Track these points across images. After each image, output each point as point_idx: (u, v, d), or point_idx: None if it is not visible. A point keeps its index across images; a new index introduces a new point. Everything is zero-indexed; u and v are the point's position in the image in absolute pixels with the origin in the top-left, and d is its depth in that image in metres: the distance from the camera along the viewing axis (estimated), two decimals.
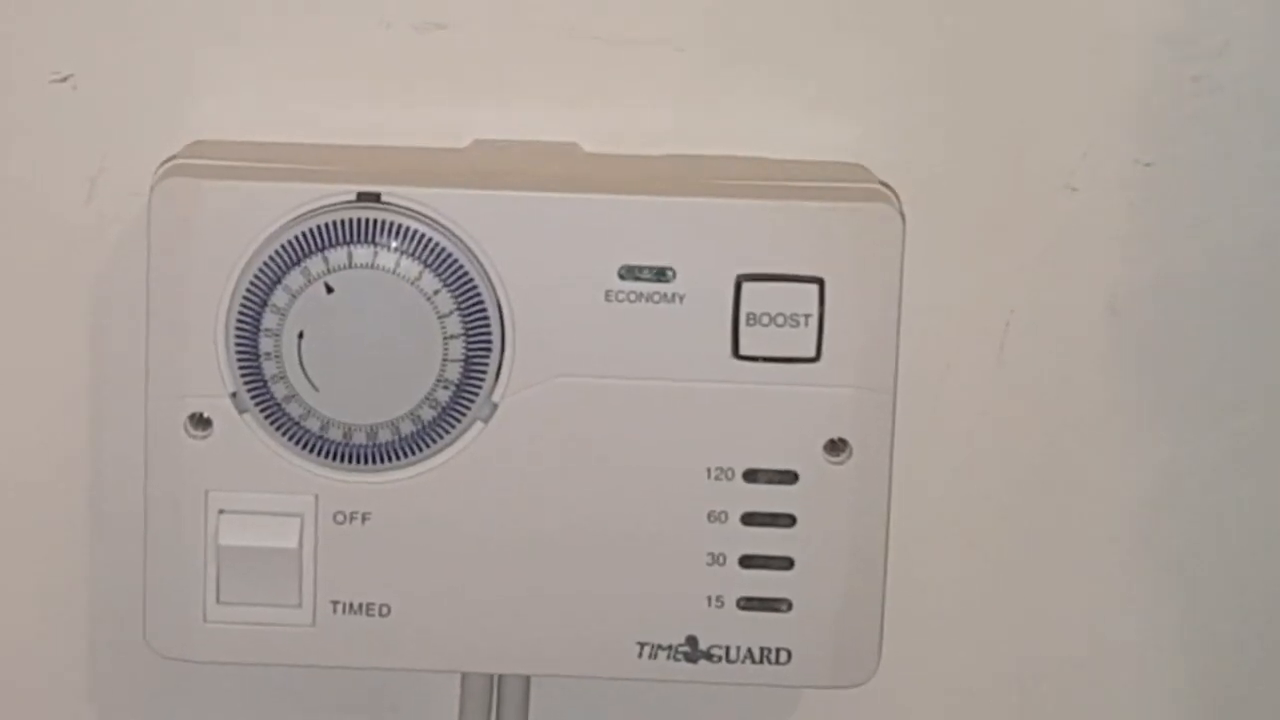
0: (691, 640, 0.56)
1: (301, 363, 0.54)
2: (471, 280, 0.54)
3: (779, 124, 0.58)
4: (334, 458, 0.55)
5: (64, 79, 0.58)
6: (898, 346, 0.54)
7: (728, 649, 0.56)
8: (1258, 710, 0.61)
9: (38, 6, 0.57)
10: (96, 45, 0.58)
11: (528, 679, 0.60)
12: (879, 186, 0.55)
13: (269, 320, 0.54)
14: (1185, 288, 0.59)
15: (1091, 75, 0.57)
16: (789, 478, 0.55)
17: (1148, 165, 0.58)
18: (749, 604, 0.56)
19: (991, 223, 0.58)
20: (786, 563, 0.56)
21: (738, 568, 0.56)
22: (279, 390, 0.55)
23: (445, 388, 0.55)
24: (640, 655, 0.56)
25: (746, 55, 0.58)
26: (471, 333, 0.54)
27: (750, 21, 0.57)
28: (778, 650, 0.56)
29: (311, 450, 0.55)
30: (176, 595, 0.56)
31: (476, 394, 0.55)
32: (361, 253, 0.54)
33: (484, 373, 0.55)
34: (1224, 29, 0.57)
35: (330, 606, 0.56)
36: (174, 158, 0.56)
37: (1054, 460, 0.59)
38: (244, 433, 0.55)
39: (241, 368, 0.55)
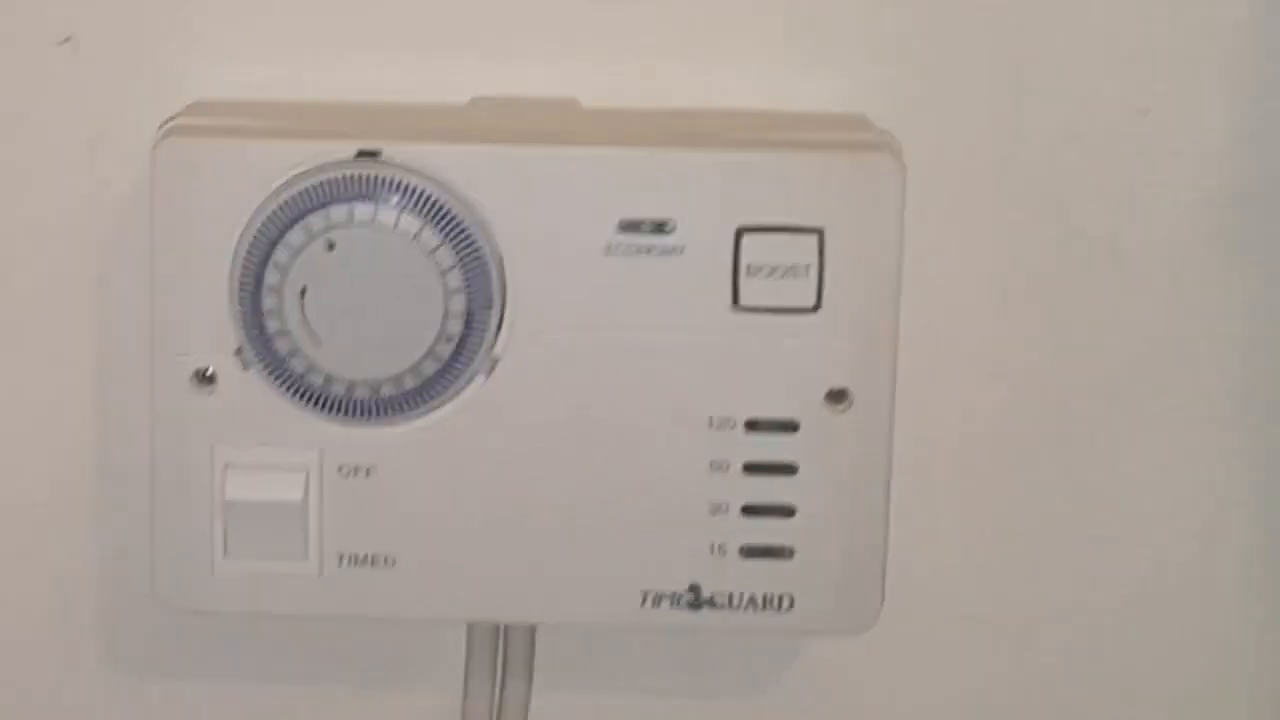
0: (694, 588, 0.57)
1: (304, 318, 0.55)
2: (472, 235, 0.54)
3: (779, 76, 0.58)
4: (338, 411, 0.56)
5: (65, 41, 0.58)
6: (899, 296, 0.55)
7: (730, 596, 0.56)
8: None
9: None
10: (97, 7, 0.58)
11: (533, 628, 0.61)
12: (880, 136, 0.55)
13: (271, 277, 0.54)
14: (1184, 233, 0.59)
15: (1088, 22, 0.58)
16: (790, 427, 0.56)
17: (1145, 112, 0.58)
18: (751, 552, 0.56)
19: (992, 171, 0.58)
20: (788, 511, 0.56)
21: (740, 516, 0.56)
22: (282, 346, 0.55)
23: (447, 342, 0.55)
24: (644, 604, 0.57)
25: (746, 8, 0.58)
26: (472, 287, 0.55)
27: None
28: (780, 597, 0.56)
29: (315, 404, 0.56)
30: (184, 549, 0.57)
31: (478, 348, 0.55)
32: (362, 209, 0.54)
33: (485, 327, 0.55)
34: None
35: (336, 558, 0.57)
36: (175, 118, 0.56)
37: (1056, 408, 0.60)
38: (248, 388, 0.56)
39: (245, 324, 0.55)
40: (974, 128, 0.58)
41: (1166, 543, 0.60)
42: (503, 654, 0.61)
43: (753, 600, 0.57)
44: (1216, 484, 0.60)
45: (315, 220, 0.54)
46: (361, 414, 0.56)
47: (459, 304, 0.55)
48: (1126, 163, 0.58)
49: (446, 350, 0.55)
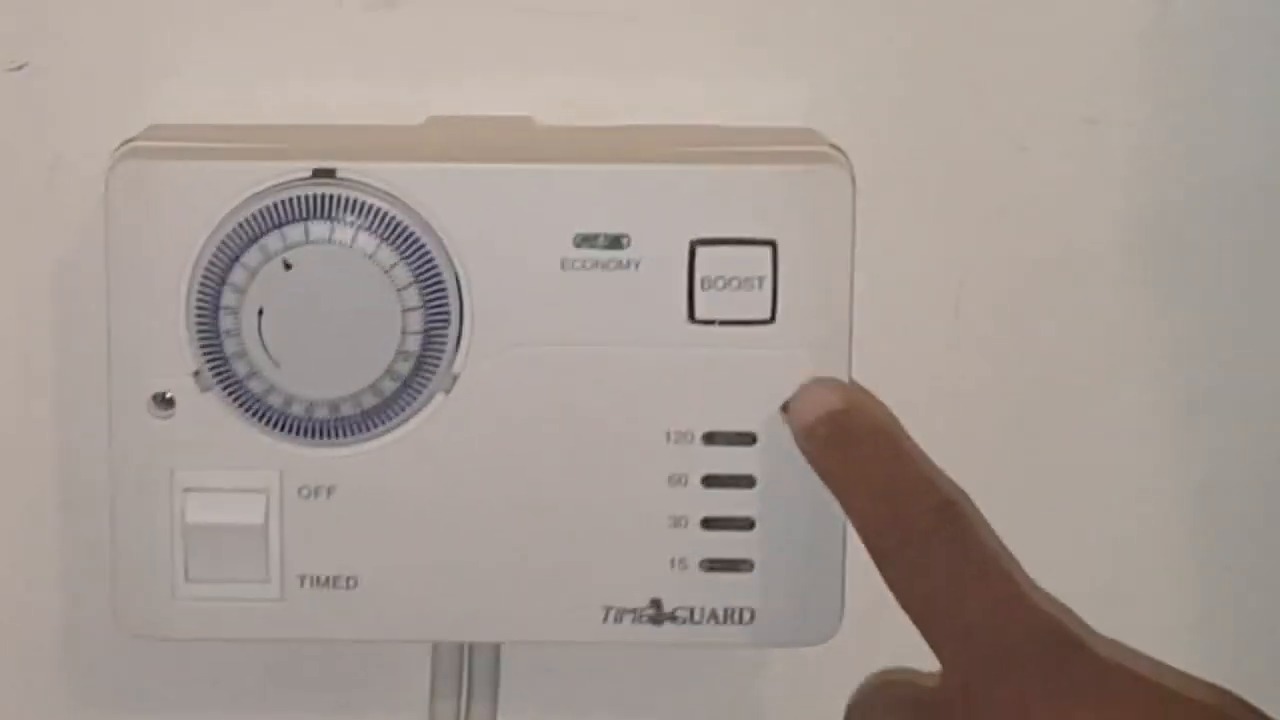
0: (656, 603, 0.57)
1: (262, 339, 0.55)
2: (429, 253, 0.55)
3: (730, 91, 0.58)
4: (297, 432, 0.56)
5: (19, 67, 0.58)
6: (851, 307, 0.55)
7: (692, 610, 0.57)
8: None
9: None
10: (51, 33, 0.58)
11: (497, 647, 0.61)
12: (829, 149, 0.56)
13: (228, 298, 0.55)
14: (1135, 242, 0.59)
15: (1037, 33, 0.58)
16: (748, 439, 0.56)
17: (1094, 123, 0.58)
18: (712, 565, 0.56)
19: (943, 183, 0.59)
20: (748, 523, 0.56)
21: (700, 529, 0.56)
22: (240, 367, 0.55)
23: (405, 360, 0.55)
24: (606, 619, 0.57)
25: (696, 24, 0.58)
26: (430, 305, 0.55)
27: None
28: (741, 610, 0.57)
29: (274, 426, 0.56)
30: (145, 573, 0.57)
31: (437, 365, 0.55)
32: (318, 228, 0.54)
33: (443, 344, 0.55)
34: None
35: (298, 580, 0.57)
36: (131, 140, 0.56)
37: (1012, 418, 0.60)
38: (207, 411, 0.56)
39: (203, 346, 0.55)
40: (923, 139, 0.59)
41: (1119, 543, 0.61)
42: (468, 673, 0.61)
43: (714, 614, 0.57)
44: (1162, 481, 0.61)
45: (271, 240, 0.54)
46: (321, 434, 0.56)
47: (416, 321, 0.55)
48: (1075, 172, 0.59)
49: (405, 368, 0.55)
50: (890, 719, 0.53)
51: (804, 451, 0.54)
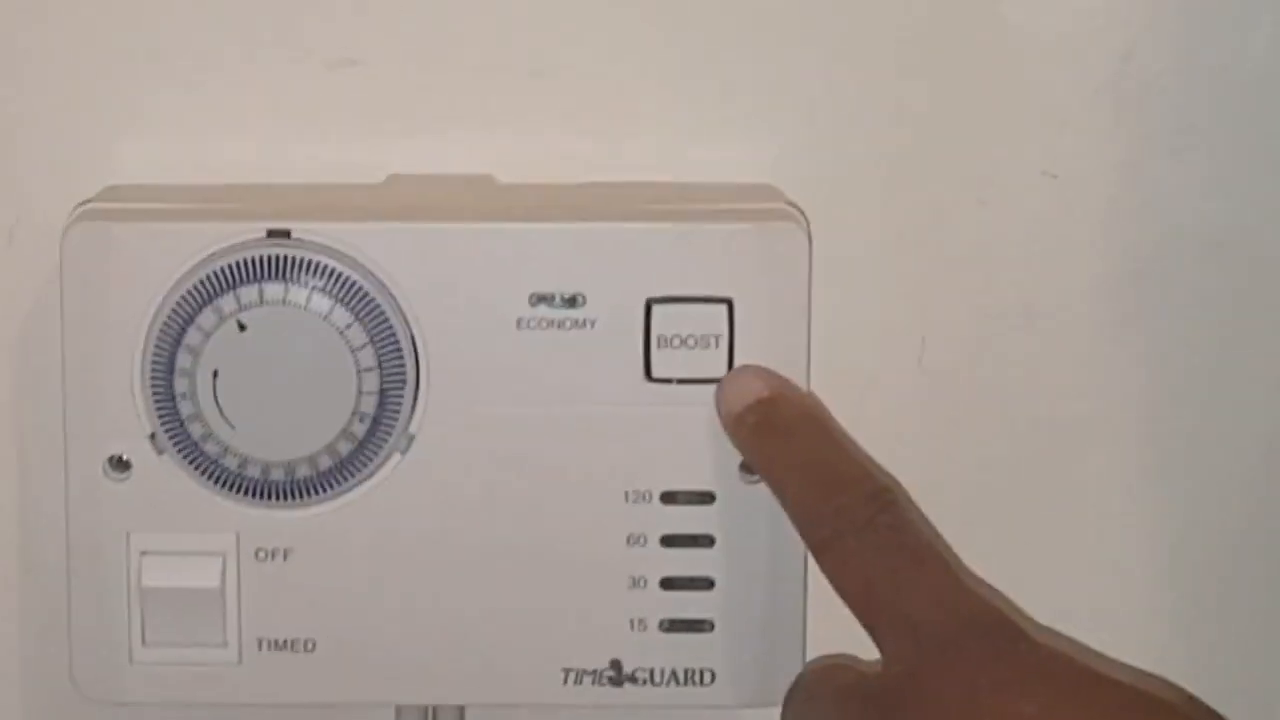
0: (616, 664, 0.56)
1: (217, 401, 0.54)
2: (383, 313, 0.54)
3: (689, 147, 0.58)
4: (253, 494, 0.55)
5: None
6: (809, 364, 0.55)
7: (652, 671, 0.56)
8: None
9: None
10: (12, 93, 0.58)
11: (461, 709, 0.60)
12: (785, 206, 0.56)
13: (183, 360, 0.54)
14: (1097, 294, 0.59)
15: (996, 88, 0.58)
16: (706, 498, 0.55)
17: (1054, 176, 0.58)
18: (672, 625, 0.56)
19: (904, 237, 0.59)
20: (707, 583, 0.56)
21: (659, 589, 0.56)
22: (196, 430, 0.55)
23: (361, 421, 0.55)
24: (567, 681, 0.56)
25: (653, 80, 0.58)
26: (385, 365, 0.55)
27: (654, 46, 0.58)
28: (701, 671, 0.56)
29: (230, 488, 0.55)
30: (102, 637, 0.56)
31: (393, 426, 0.55)
32: (272, 289, 0.54)
33: (399, 405, 0.55)
34: (1125, 39, 0.58)
35: (256, 643, 0.56)
36: (87, 202, 0.56)
37: (978, 471, 0.60)
38: (163, 473, 0.55)
39: (158, 408, 0.55)
40: (883, 193, 0.58)
41: (1088, 599, 0.60)
42: None
43: (674, 675, 0.56)
44: (1130, 538, 0.61)
45: (225, 302, 0.54)
46: (277, 496, 0.56)
47: (372, 382, 0.55)
48: (1035, 225, 0.58)
49: (361, 429, 0.55)
50: (833, 707, 0.53)
51: (733, 440, 0.54)
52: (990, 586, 0.53)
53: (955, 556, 0.52)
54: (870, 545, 0.51)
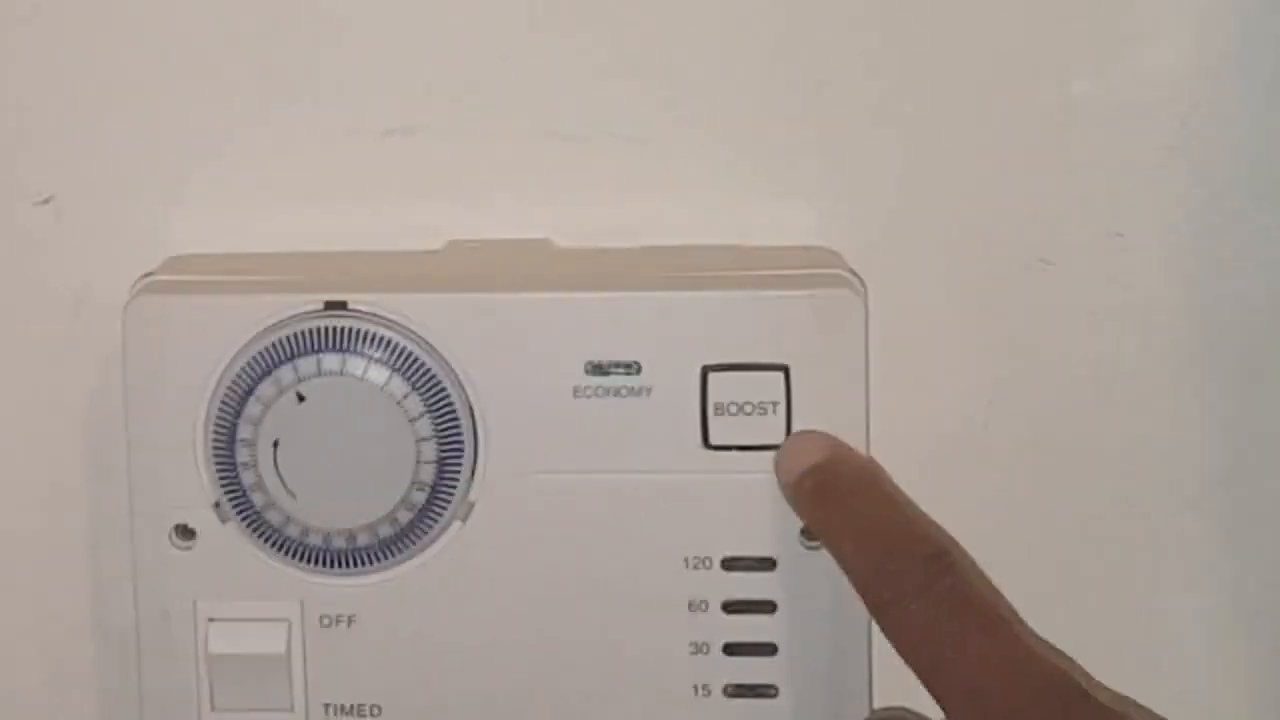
0: None
1: (278, 471, 0.55)
2: (440, 383, 0.54)
3: (749, 211, 0.58)
4: (316, 562, 0.56)
5: (46, 201, 0.59)
6: (868, 429, 0.54)
7: None
8: None
9: (16, 132, 0.58)
10: (76, 166, 0.59)
11: None
12: (841, 273, 0.55)
13: (244, 430, 0.55)
14: (1167, 354, 0.58)
15: (1060, 147, 0.57)
16: (767, 564, 0.55)
17: (1120, 235, 0.57)
18: (736, 691, 0.56)
19: (968, 298, 0.58)
20: (770, 649, 0.55)
21: (722, 655, 0.56)
22: (258, 499, 0.55)
23: (420, 489, 0.55)
24: None
25: (713, 144, 0.58)
26: (443, 434, 0.55)
27: (714, 110, 0.58)
28: None
29: (294, 556, 0.56)
30: (172, 704, 0.57)
31: (452, 494, 0.55)
32: (330, 360, 0.54)
33: (458, 473, 0.55)
34: (1189, 97, 0.57)
35: (322, 709, 0.56)
36: (149, 274, 0.57)
37: (1043, 539, 0.59)
38: (228, 541, 0.56)
39: (221, 478, 0.55)
40: (945, 254, 0.58)
41: (1154, 674, 0.59)
42: None
43: None
44: (1202, 605, 0.60)
45: (284, 373, 0.54)
46: (340, 564, 0.56)
47: (430, 451, 0.55)
48: (1102, 287, 0.58)
49: (420, 498, 0.55)
50: None
51: (792, 504, 0.54)
52: (1056, 649, 0.52)
53: (1019, 619, 0.51)
54: (931, 609, 0.50)
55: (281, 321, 0.54)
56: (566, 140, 0.58)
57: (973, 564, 0.51)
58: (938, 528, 0.52)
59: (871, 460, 0.54)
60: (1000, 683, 0.49)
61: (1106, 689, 0.51)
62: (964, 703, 0.49)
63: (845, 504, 0.52)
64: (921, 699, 0.53)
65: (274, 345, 0.54)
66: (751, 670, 0.56)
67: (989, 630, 0.50)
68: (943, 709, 0.50)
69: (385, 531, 0.55)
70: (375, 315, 0.54)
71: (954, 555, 0.51)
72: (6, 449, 0.60)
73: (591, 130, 0.58)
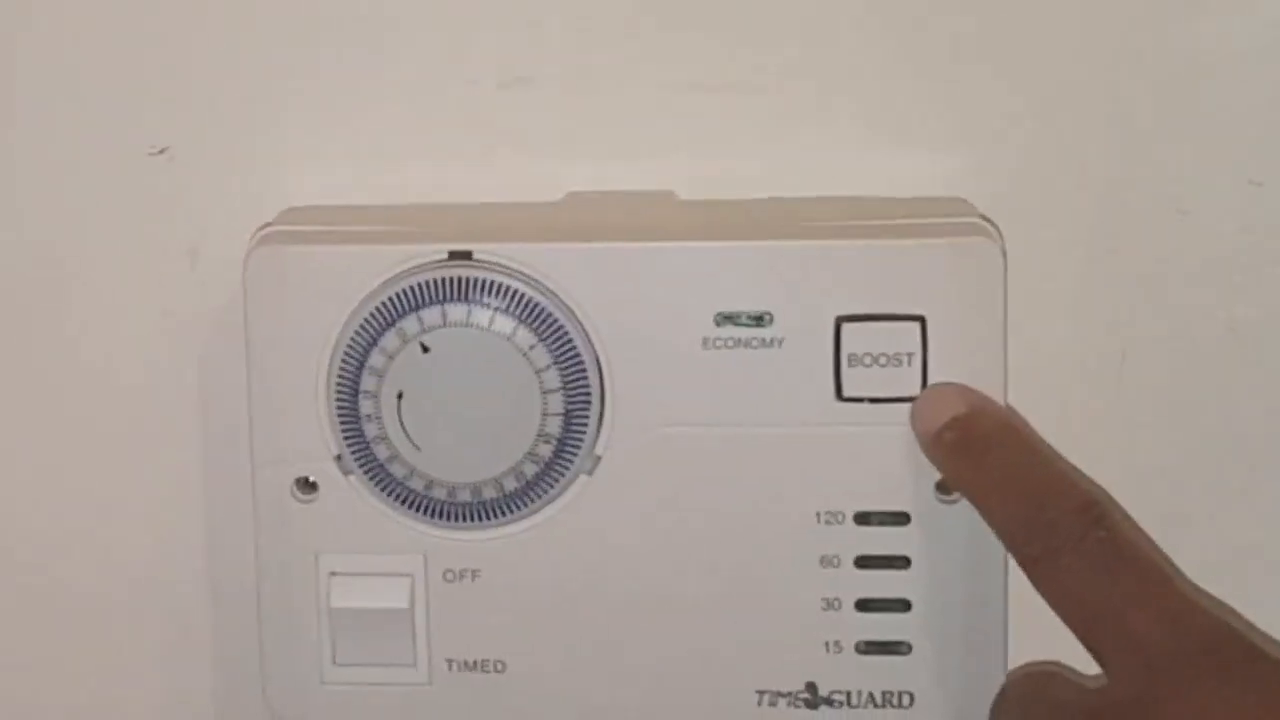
0: (811, 686, 0.55)
1: (402, 423, 0.54)
2: (567, 334, 0.54)
3: (876, 161, 0.57)
4: (440, 516, 0.55)
5: (161, 151, 0.58)
6: (1005, 381, 0.53)
7: (848, 694, 0.55)
8: None
9: (131, 83, 0.58)
10: (190, 117, 0.58)
11: None
12: (978, 220, 0.54)
13: (367, 382, 0.54)
14: None
15: (1196, 95, 0.56)
16: (901, 519, 0.54)
17: (1258, 184, 0.56)
18: (868, 648, 0.55)
19: (1103, 249, 0.57)
20: (903, 605, 0.55)
21: (854, 611, 0.55)
22: (381, 451, 0.55)
23: (547, 442, 0.54)
24: (759, 704, 0.55)
25: (838, 93, 0.57)
26: (570, 386, 0.54)
27: (840, 59, 0.56)
28: (900, 694, 0.55)
29: (417, 509, 0.55)
30: (293, 659, 0.56)
31: (579, 447, 0.54)
32: (455, 311, 0.53)
33: (585, 426, 0.54)
34: None
35: (445, 665, 0.56)
36: (267, 225, 0.56)
37: (1178, 492, 0.58)
38: (350, 495, 0.55)
39: (344, 430, 0.55)
40: (1081, 204, 0.56)
41: None
42: None
43: (871, 698, 0.55)
44: None
45: (409, 324, 0.54)
46: (464, 518, 0.55)
47: (557, 403, 0.54)
48: (1239, 237, 0.56)
49: (547, 451, 0.54)
50: None
51: (931, 458, 0.53)
52: (1214, 599, 0.51)
53: (1175, 568, 0.50)
54: (1085, 561, 0.49)
55: (405, 271, 0.54)
56: (689, 91, 0.57)
57: (1124, 514, 0.50)
58: (1086, 478, 0.51)
59: (1013, 411, 0.53)
60: (1162, 634, 0.48)
61: (1271, 639, 0.50)
62: (1124, 655, 0.48)
63: (989, 457, 0.51)
64: (1058, 656, 0.52)
65: (398, 295, 0.54)
66: (884, 626, 0.55)
67: (1146, 580, 0.49)
68: (1100, 663, 0.49)
69: (510, 485, 0.54)
70: (501, 265, 0.53)
71: (1105, 505, 0.50)
72: (122, 402, 0.60)
73: (715, 81, 0.57)
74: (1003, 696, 0.53)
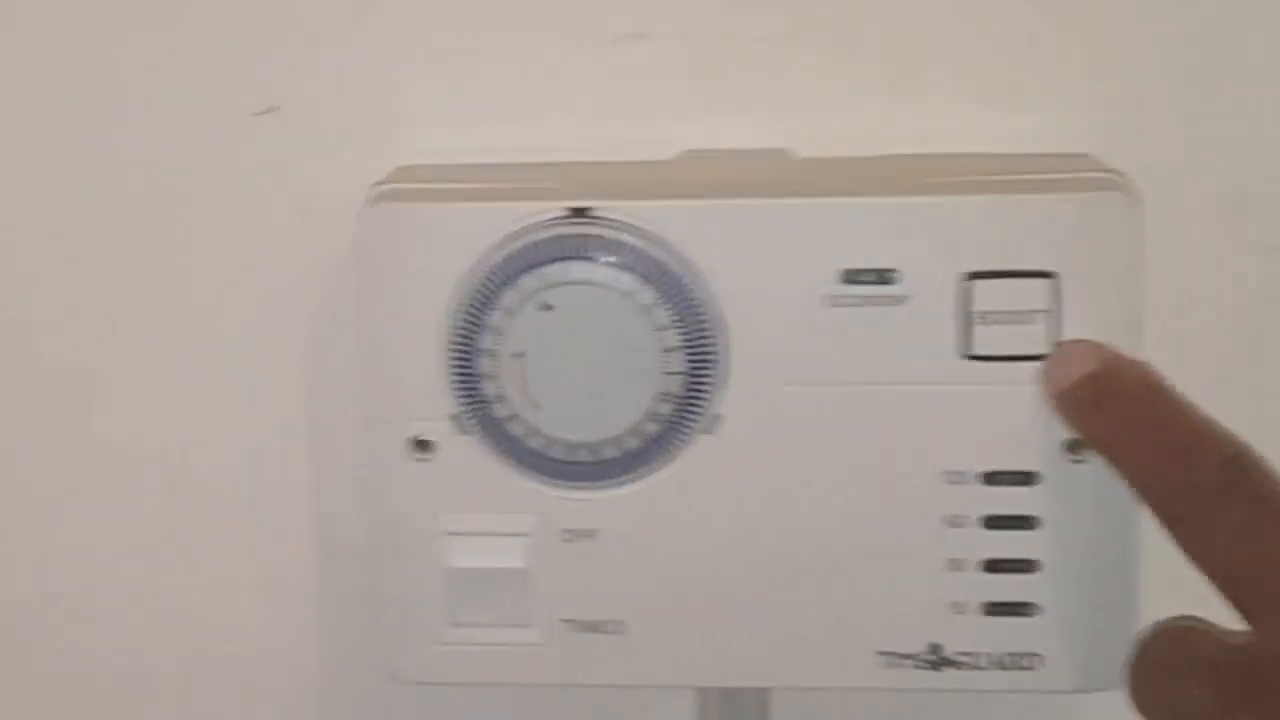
0: (935, 648, 0.54)
1: (523, 382, 0.53)
2: (689, 291, 0.53)
3: (1000, 117, 0.55)
4: (558, 476, 0.54)
5: (271, 110, 0.57)
6: (1141, 340, 0.52)
7: (973, 655, 0.54)
8: None
9: (241, 42, 0.57)
10: (299, 76, 0.57)
11: (767, 692, 0.59)
12: (1113, 174, 0.53)
13: (486, 341, 0.53)
14: None
15: None
16: (1029, 479, 0.53)
17: None
18: (994, 609, 0.54)
19: (1235, 206, 0.55)
20: (1031, 566, 0.54)
21: (980, 572, 0.54)
22: (500, 410, 0.54)
23: (667, 401, 0.53)
24: (883, 664, 0.54)
25: (959, 50, 0.55)
26: (691, 344, 0.53)
27: (960, 16, 0.55)
28: (1026, 655, 0.54)
29: (535, 469, 0.54)
30: (412, 618, 0.56)
31: (699, 406, 0.53)
32: (576, 269, 0.53)
33: (706, 384, 0.53)
34: None
35: (563, 625, 0.55)
36: (380, 183, 0.55)
37: None
38: (467, 454, 0.54)
39: (461, 390, 0.54)
40: (1209, 161, 0.55)
41: None
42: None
43: (997, 659, 0.54)
44: None
45: (529, 281, 0.53)
46: (583, 477, 0.54)
47: (678, 362, 0.53)
48: None
49: (667, 409, 0.53)
50: (1197, 682, 0.49)
51: (1065, 418, 0.51)
52: None
53: None
54: (1232, 516, 0.47)
55: (524, 229, 0.53)
56: (805, 45, 0.55)
57: (1270, 466, 0.49)
58: (1226, 430, 0.49)
59: (1149, 365, 0.51)
60: None
61: None
62: (1274, 611, 0.47)
63: (1126, 413, 0.50)
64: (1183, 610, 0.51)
65: (517, 252, 0.53)
66: (1011, 587, 0.54)
67: None
68: (1247, 619, 0.47)
69: (630, 444, 0.54)
70: (621, 222, 0.52)
71: (1250, 458, 0.48)
72: (233, 361, 0.59)
73: (831, 35, 0.55)
74: (1141, 655, 0.51)
